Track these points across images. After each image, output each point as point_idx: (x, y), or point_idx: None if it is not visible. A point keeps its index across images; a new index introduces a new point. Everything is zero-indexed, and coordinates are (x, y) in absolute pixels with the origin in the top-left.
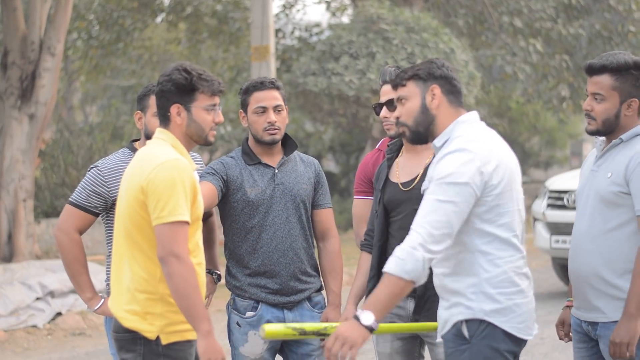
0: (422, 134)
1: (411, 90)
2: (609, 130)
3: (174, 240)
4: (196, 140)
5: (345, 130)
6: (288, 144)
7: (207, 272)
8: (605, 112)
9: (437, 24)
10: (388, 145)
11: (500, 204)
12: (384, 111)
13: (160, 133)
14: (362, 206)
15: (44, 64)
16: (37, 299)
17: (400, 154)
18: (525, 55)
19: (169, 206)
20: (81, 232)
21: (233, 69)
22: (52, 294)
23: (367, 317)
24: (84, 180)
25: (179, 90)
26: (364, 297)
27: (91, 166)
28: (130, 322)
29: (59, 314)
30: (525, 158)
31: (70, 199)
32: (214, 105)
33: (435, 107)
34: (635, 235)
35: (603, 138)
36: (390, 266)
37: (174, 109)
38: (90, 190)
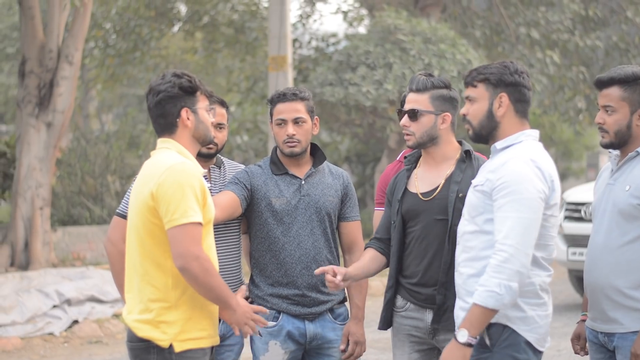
0: (484, 136)
1: (480, 92)
2: (622, 141)
3: (188, 240)
4: (202, 142)
5: (362, 141)
6: (317, 155)
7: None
8: (616, 123)
9: (454, 34)
10: (406, 157)
11: (545, 226)
12: (405, 119)
13: (163, 142)
14: None
15: (62, 73)
16: (54, 306)
17: (418, 165)
18: (542, 67)
19: (180, 209)
20: None
21: (249, 78)
22: (68, 302)
23: (463, 335)
24: (129, 191)
25: (185, 93)
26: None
27: (135, 177)
28: (143, 331)
29: (75, 321)
30: None
31: (117, 210)
32: (210, 105)
33: (501, 115)
34: None
35: (617, 152)
36: (487, 301)
37: (184, 113)
38: None
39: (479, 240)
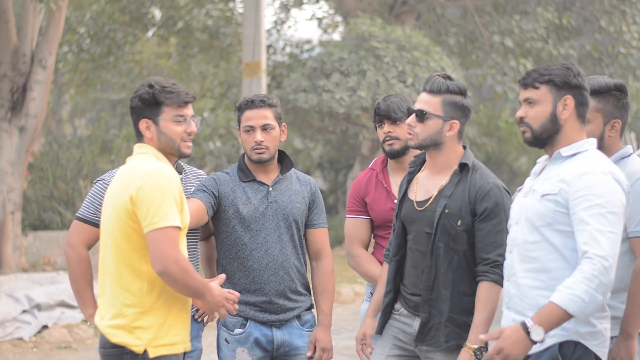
0: (544, 140)
1: (543, 95)
2: None
3: (167, 244)
4: (171, 153)
5: (335, 148)
6: (285, 162)
7: None
8: (590, 134)
9: (428, 42)
10: (414, 157)
11: None
12: (412, 119)
13: (139, 148)
14: (354, 225)
15: (35, 77)
16: (24, 311)
17: (422, 169)
18: (516, 75)
19: (160, 212)
20: (89, 247)
21: (223, 84)
22: (38, 306)
23: (539, 333)
24: (89, 194)
25: (145, 105)
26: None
27: (97, 179)
28: (117, 337)
29: (45, 327)
30: (513, 178)
31: (77, 214)
32: (183, 115)
33: (565, 118)
34: (626, 254)
35: None
36: (569, 305)
37: (143, 124)
38: (98, 204)
39: (545, 251)
